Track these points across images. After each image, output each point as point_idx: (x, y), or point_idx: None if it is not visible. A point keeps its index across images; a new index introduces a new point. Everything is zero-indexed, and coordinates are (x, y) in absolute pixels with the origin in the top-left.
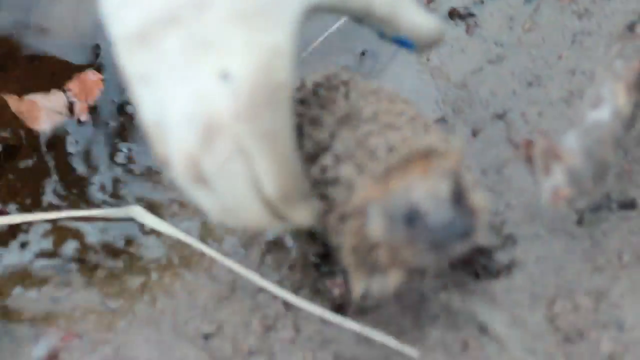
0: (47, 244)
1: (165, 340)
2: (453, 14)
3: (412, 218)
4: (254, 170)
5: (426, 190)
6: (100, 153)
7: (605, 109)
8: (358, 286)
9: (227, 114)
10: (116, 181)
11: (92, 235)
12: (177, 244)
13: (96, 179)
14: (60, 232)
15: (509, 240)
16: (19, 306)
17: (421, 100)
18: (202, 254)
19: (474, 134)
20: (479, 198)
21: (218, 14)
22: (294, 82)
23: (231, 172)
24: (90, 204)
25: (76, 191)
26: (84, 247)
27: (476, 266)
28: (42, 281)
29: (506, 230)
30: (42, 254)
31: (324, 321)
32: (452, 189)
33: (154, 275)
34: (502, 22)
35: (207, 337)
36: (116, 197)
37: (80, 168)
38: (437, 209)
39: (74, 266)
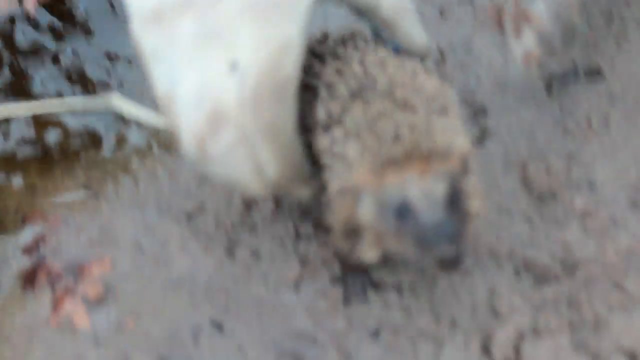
0: (29, 133)
1: (150, 221)
2: None
3: (403, 212)
4: (256, 157)
5: (421, 189)
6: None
7: None
8: (340, 246)
9: (233, 103)
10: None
11: (73, 124)
12: (158, 130)
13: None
14: (40, 122)
15: (480, 111)
16: (4, 194)
17: None
18: None
19: (442, 14)
20: (476, 203)
21: (232, 5)
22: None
23: (235, 158)
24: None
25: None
26: (66, 135)
27: None
28: (25, 168)
29: (477, 102)
30: (25, 141)
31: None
32: (447, 192)
33: (136, 160)
34: None
35: (190, 215)
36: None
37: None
38: (429, 209)
39: (56, 153)
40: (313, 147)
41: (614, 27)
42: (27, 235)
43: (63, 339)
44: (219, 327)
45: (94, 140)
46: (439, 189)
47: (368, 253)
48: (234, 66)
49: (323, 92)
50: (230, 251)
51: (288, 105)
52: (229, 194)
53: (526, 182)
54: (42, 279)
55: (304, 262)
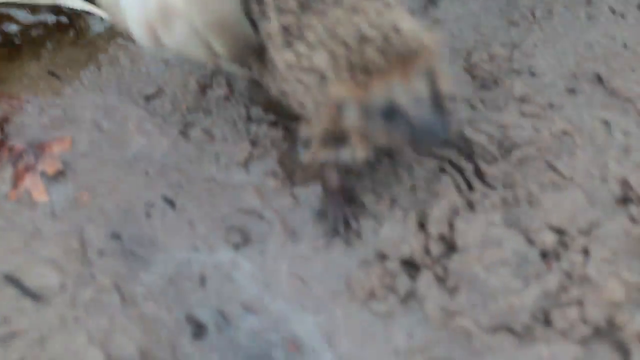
0: None
1: (110, 103)
2: None
3: (391, 114)
4: (209, 45)
5: (406, 92)
6: None
7: None
8: (319, 154)
9: (180, 1)
10: None
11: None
12: None
13: None
14: None
15: (431, 2)
16: None
17: None
18: None
19: None
20: (447, 84)
21: None
22: None
23: (189, 47)
24: None
25: None
26: (25, 27)
27: None
28: None
29: None
30: None
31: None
32: (429, 88)
33: (99, 47)
34: None
35: (148, 98)
36: None
37: None
38: (417, 109)
39: (18, 40)
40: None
41: None
42: None
43: (21, 211)
44: (171, 203)
45: (59, 28)
46: (423, 88)
47: (358, 153)
48: None
49: (271, 11)
50: (185, 132)
51: (232, 1)
52: (186, 79)
53: (470, 69)
54: (4, 156)
55: (254, 143)
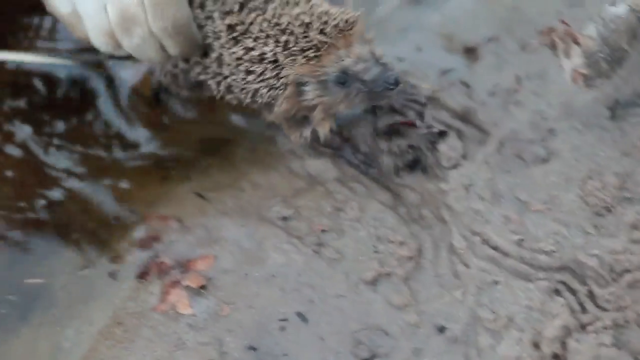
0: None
1: (251, 223)
2: None
3: (344, 80)
4: (164, 47)
5: (354, 57)
6: None
7: (622, 5)
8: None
9: (137, 9)
10: None
11: None
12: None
13: None
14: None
15: (550, 132)
16: (124, 193)
17: (478, 22)
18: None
19: (522, 47)
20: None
21: None
22: None
23: (146, 48)
24: None
25: None
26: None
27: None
28: (144, 175)
29: (547, 125)
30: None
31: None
32: (370, 50)
33: (242, 171)
34: None
35: (285, 219)
36: None
37: None
38: (367, 68)
39: (171, 164)
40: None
41: None
42: (143, 233)
43: (167, 323)
44: (303, 318)
45: (204, 153)
46: (364, 51)
47: (323, 128)
48: None
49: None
50: (318, 251)
51: (182, 5)
52: (320, 203)
53: (584, 197)
54: (153, 271)
55: (382, 262)
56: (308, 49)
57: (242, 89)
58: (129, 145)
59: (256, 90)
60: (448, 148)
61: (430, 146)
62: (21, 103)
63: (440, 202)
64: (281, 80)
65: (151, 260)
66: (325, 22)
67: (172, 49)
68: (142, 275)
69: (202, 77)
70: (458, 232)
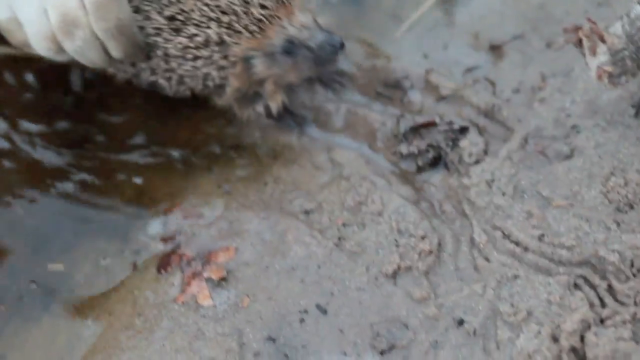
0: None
1: (272, 216)
2: None
3: (290, 49)
4: (105, 47)
5: (297, 26)
6: None
7: None
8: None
9: (79, 12)
10: None
11: None
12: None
13: None
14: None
15: (573, 129)
16: (148, 186)
17: (504, 20)
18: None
19: (548, 45)
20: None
21: None
22: None
23: (88, 50)
24: None
25: None
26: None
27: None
28: (168, 169)
29: (570, 122)
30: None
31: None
32: (313, 17)
33: (265, 165)
34: None
35: (307, 212)
36: None
37: None
38: (312, 35)
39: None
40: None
41: None
42: (166, 225)
43: (187, 314)
44: (323, 310)
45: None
46: (308, 18)
47: (275, 101)
48: None
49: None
50: (339, 244)
51: (124, 6)
52: (343, 197)
53: (606, 194)
54: (175, 262)
55: (402, 256)
56: (252, 24)
57: (193, 76)
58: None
59: (206, 75)
60: (470, 144)
61: (451, 143)
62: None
63: (462, 197)
64: (229, 59)
65: (173, 252)
66: None
67: (115, 51)
68: (164, 266)
69: (152, 79)
70: (479, 226)
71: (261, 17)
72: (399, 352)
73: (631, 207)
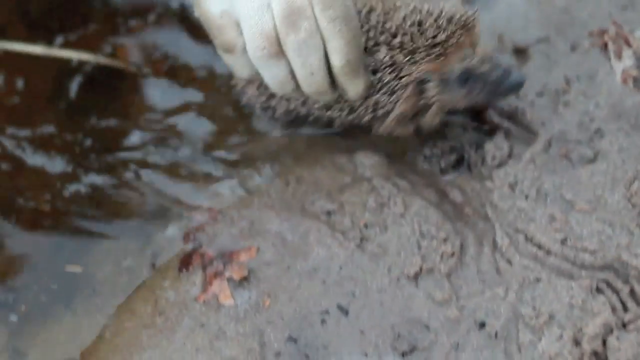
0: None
1: (294, 217)
2: None
3: (466, 79)
4: (326, 45)
5: (478, 57)
6: None
7: None
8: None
9: (305, 2)
10: None
11: None
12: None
13: None
14: None
15: (597, 133)
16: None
17: (529, 23)
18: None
19: (572, 49)
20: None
21: None
22: None
23: (310, 46)
24: None
25: None
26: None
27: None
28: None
29: (594, 126)
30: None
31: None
32: (490, 49)
33: (286, 165)
34: None
35: (329, 213)
36: None
37: None
38: (492, 67)
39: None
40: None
41: None
42: (187, 224)
43: (208, 313)
44: (344, 311)
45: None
46: (489, 49)
47: (431, 123)
48: None
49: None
50: (361, 245)
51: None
52: (365, 198)
53: (630, 198)
54: (196, 262)
55: (424, 258)
56: (433, 46)
57: (361, 105)
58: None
59: (376, 102)
60: (495, 147)
61: (475, 145)
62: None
63: (485, 200)
64: (402, 80)
65: (194, 251)
66: (437, 20)
67: (338, 54)
68: (185, 265)
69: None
70: (502, 229)
71: (442, 41)
72: (420, 353)
73: None
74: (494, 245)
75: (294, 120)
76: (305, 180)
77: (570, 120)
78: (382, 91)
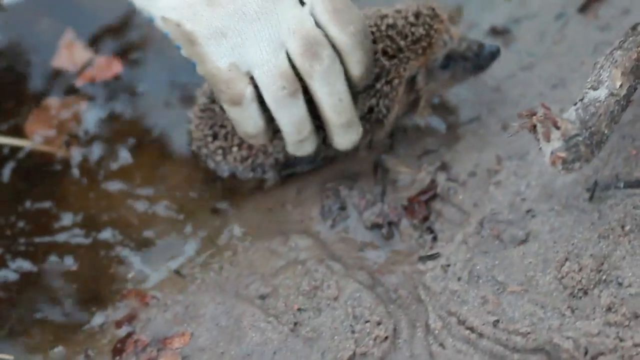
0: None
1: (228, 301)
2: (493, 31)
3: (446, 63)
4: (346, 60)
5: (457, 39)
6: None
7: (603, 90)
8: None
9: (318, 30)
10: None
11: None
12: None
13: None
14: None
15: (528, 213)
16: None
17: (461, 102)
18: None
19: (504, 127)
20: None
21: None
22: None
23: (335, 72)
24: None
25: None
26: None
27: None
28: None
29: (526, 206)
30: None
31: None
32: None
33: (222, 247)
34: (534, 36)
35: (263, 297)
36: None
37: None
38: (470, 45)
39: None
40: None
41: None
42: (121, 311)
43: None
44: None
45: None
46: (460, 31)
47: (423, 116)
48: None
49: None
50: (295, 330)
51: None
52: (299, 281)
53: (561, 279)
54: (129, 349)
55: (357, 341)
56: (414, 42)
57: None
58: None
59: (370, 108)
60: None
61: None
62: None
63: (418, 282)
64: (393, 83)
65: (128, 337)
66: (407, 18)
67: (358, 66)
68: (118, 352)
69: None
70: (434, 312)
71: (422, 35)
72: None
73: (585, 293)
74: (427, 329)
75: (285, 165)
76: (240, 263)
77: (502, 200)
78: (375, 97)
